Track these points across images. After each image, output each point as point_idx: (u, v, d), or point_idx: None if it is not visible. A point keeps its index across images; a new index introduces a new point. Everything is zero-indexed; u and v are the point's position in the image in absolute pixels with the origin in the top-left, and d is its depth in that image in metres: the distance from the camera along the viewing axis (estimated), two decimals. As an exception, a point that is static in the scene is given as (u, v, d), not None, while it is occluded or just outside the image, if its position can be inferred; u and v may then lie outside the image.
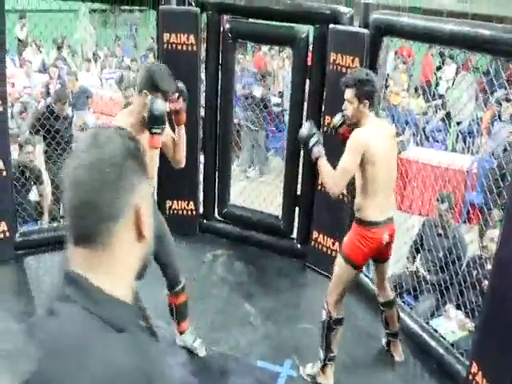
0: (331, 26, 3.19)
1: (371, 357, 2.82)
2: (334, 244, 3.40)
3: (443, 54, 8.34)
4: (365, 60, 3.03)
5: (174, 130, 2.45)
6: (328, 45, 3.22)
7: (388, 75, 5.96)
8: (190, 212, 3.90)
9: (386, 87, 5.25)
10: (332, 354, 2.48)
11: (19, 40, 8.75)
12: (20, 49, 8.50)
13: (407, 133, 5.57)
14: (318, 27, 3.32)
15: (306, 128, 2.37)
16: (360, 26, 3.13)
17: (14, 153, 3.67)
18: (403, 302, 3.13)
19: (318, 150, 2.31)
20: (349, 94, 2.32)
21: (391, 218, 2.43)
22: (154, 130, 2.17)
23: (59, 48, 8.37)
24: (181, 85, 2.37)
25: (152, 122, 2.15)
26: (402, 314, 2.99)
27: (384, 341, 2.82)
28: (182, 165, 2.51)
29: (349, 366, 2.72)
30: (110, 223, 0.78)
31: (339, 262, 2.42)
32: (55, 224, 3.81)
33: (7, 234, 3.34)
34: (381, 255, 2.48)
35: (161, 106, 2.15)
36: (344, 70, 3.11)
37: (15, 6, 3.69)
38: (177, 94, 2.32)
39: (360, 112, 2.31)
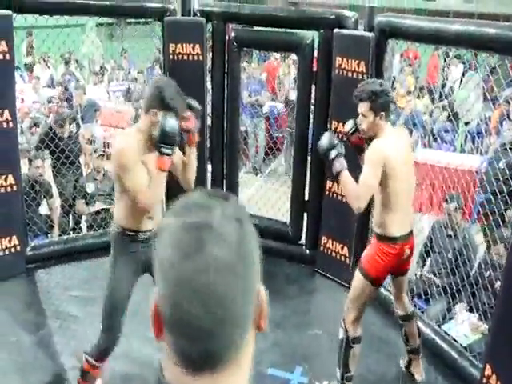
0: (336, 30, 3.21)
1: (383, 362, 2.79)
2: (343, 249, 3.39)
3: (449, 55, 8.31)
4: (370, 63, 3.03)
5: (182, 151, 2.32)
6: (333, 49, 3.23)
7: (394, 78, 5.94)
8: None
9: (393, 90, 5.23)
10: (349, 374, 2.40)
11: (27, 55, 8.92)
12: (28, 66, 8.66)
13: (415, 135, 5.54)
14: (323, 32, 3.34)
15: (326, 139, 2.25)
16: (365, 30, 3.14)
17: (24, 167, 3.72)
18: (414, 305, 3.09)
19: (340, 163, 2.18)
20: (363, 107, 2.21)
21: (411, 231, 2.36)
22: (164, 151, 2.02)
23: (67, 63, 8.49)
24: (192, 102, 2.25)
25: (162, 141, 2.01)
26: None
27: (405, 360, 2.67)
28: (192, 187, 2.34)
29: (361, 373, 2.68)
30: (242, 329, 0.58)
31: (358, 278, 2.33)
32: (65, 237, 3.85)
33: (18, 247, 3.38)
34: (400, 269, 2.41)
35: (173, 124, 2.01)
36: (350, 74, 3.12)
37: (23, 22, 3.75)
38: (188, 112, 2.18)
39: (376, 125, 2.22)
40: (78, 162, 4.65)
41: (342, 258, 3.40)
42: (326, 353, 2.68)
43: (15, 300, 3.12)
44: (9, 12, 3.06)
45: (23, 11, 3.23)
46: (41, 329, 2.93)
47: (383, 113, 2.21)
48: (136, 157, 2.02)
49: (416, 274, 3.34)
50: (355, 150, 2.43)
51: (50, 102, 6.85)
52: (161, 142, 2.01)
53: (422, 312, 3.07)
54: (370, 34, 3.04)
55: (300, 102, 3.60)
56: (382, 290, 3.22)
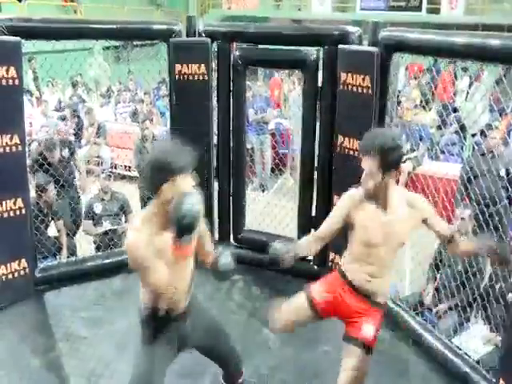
0: (340, 46, 3.24)
1: (394, 379, 2.73)
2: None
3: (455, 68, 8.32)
4: (375, 78, 3.05)
5: None
6: (338, 65, 3.26)
7: (399, 91, 5.97)
8: (205, 239, 3.90)
9: (399, 103, 5.25)
10: None
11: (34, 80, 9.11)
12: (34, 93, 8.83)
13: (421, 148, 5.53)
14: (327, 48, 3.36)
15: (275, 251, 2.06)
16: (369, 45, 3.16)
17: (32, 190, 3.75)
18: (425, 319, 3.05)
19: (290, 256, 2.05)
20: (371, 164, 1.89)
21: None
22: (183, 240, 1.73)
23: (74, 86, 8.66)
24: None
25: (180, 231, 1.70)
26: (424, 333, 2.92)
27: None
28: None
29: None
30: None
31: (362, 357, 2.04)
32: (73, 258, 3.86)
33: (27, 270, 3.39)
34: None
35: (190, 206, 1.69)
36: (355, 89, 3.14)
37: (32, 48, 3.83)
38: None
39: (384, 184, 1.94)
40: (73, 184, 4.64)
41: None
42: (336, 370, 2.63)
43: (25, 323, 3.12)
44: (17, 38, 3.13)
45: (31, 37, 3.30)
46: (51, 351, 2.92)
47: (394, 171, 1.93)
48: (149, 251, 1.74)
49: (426, 290, 3.30)
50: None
51: (63, 119, 6.96)
52: (178, 232, 1.71)
53: (433, 326, 3.02)
54: (375, 49, 3.06)
55: (305, 118, 3.62)
56: (393, 305, 3.19)
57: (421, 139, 5.31)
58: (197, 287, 3.56)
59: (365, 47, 3.21)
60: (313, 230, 3.67)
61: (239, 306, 3.40)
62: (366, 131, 3.14)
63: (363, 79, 3.11)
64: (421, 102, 6.44)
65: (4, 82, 3.07)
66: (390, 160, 1.89)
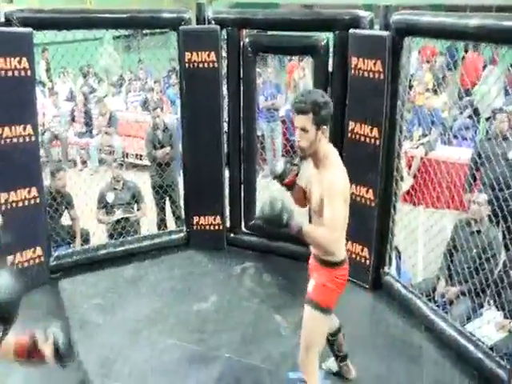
0: (351, 31, 3.19)
1: (405, 364, 2.73)
2: (363, 250, 3.35)
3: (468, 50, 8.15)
4: (387, 62, 3.01)
5: None
6: (349, 50, 3.21)
7: (412, 75, 5.89)
8: (216, 226, 3.92)
9: (410, 88, 5.18)
10: None
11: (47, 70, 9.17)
12: (47, 83, 8.90)
13: (434, 133, 5.46)
14: (338, 33, 3.32)
15: (268, 208, 1.95)
16: (380, 29, 3.11)
17: (45, 179, 3.80)
18: (437, 305, 3.04)
19: (296, 224, 1.94)
20: (304, 121, 1.97)
21: None
22: None
23: (85, 76, 8.69)
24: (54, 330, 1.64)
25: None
26: (436, 319, 2.91)
27: (336, 369, 2.61)
28: None
29: (383, 376, 2.65)
30: None
31: (313, 316, 2.11)
32: (87, 246, 3.91)
33: (42, 258, 3.44)
34: None
35: (7, 282, 1.36)
36: (366, 74, 3.10)
37: (44, 39, 3.85)
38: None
39: (318, 141, 2.00)
40: None
41: (362, 260, 3.36)
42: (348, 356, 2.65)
43: (40, 310, 3.17)
44: (29, 29, 3.14)
45: (42, 28, 3.31)
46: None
47: (326, 127, 2.01)
48: None
49: (438, 275, 3.28)
50: (287, 189, 2.19)
51: (72, 112, 7.03)
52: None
53: (446, 312, 3.01)
54: (386, 33, 3.02)
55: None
56: (405, 291, 3.18)
57: (433, 124, 5.24)
58: (207, 275, 3.64)
59: (376, 31, 3.16)
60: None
61: (251, 292, 3.42)
62: (377, 117, 3.16)
63: (374, 64, 3.07)
64: (433, 85, 6.34)
65: (16, 72, 3.10)
66: (322, 116, 1.98)
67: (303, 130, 1.99)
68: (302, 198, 2.27)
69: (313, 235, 1.97)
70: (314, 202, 2.09)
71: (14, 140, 3.15)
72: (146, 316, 3.16)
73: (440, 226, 3.64)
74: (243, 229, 4.03)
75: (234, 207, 4.01)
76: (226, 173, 3.93)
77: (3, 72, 3.05)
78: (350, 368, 2.60)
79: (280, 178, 2.17)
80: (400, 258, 3.55)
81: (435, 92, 6.02)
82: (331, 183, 1.97)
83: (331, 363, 2.64)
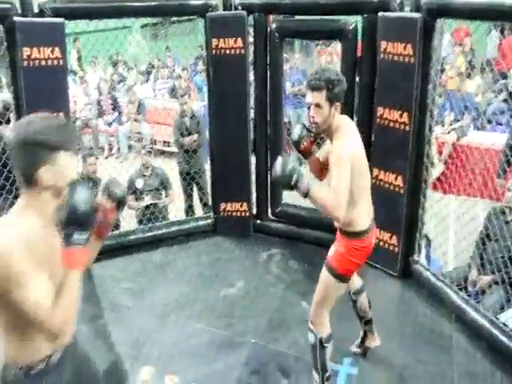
0: (380, 13, 3.11)
1: (434, 354, 2.69)
2: (391, 238, 3.30)
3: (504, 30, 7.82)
4: (418, 46, 2.92)
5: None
6: (378, 34, 3.14)
7: (444, 59, 5.70)
8: (243, 213, 3.94)
9: (442, 71, 5.03)
10: (328, 374, 2.33)
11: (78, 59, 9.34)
12: (78, 72, 9.06)
13: (466, 118, 5.30)
14: (367, 17, 3.24)
15: (279, 166, 1.95)
16: (411, 11, 3.02)
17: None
18: (468, 295, 2.97)
19: (304, 184, 1.95)
20: (318, 97, 2.05)
21: (373, 219, 2.26)
22: (76, 239, 1.30)
23: (115, 64, 8.80)
24: (115, 188, 1.60)
25: (74, 224, 1.30)
26: (467, 308, 2.85)
27: (359, 338, 2.66)
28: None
29: (411, 365, 2.62)
30: None
31: (327, 279, 2.20)
32: (116, 232, 3.99)
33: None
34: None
35: (84, 194, 1.32)
36: (396, 58, 3.03)
37: (75, 28, 3.91)
38: (109, 203, 1.57)
39: (332, 116, 2.08)
40: None
41: (391, 248, 3.32)
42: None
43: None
44: (61, 19, 3.19)
45: (73, 18, 3.36)
46: (97, 319, 3.06)
47: (339, 103, 2.08)
48: (28, 261, 1.29)
49: (470, 264, 3.20)
50: (303, 155, 2.25)
51: (99, 102, 7.16)
52: (70, 225, 1.30)
53: (478, 302, 2.94)
54: (417, 15, 2.93)
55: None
56: (435, 280, 3.12)
57: (465, 108, 5.07)
58: (234, 261, 3.67)
59: (406, 13, 3.07)
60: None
61: (277, 279, 3.44)
62: (407, 101, 3.09)
63: (405, 47, 2.99)
64: (466, 69, 6.12)
65: (49, 62, 3.16)
66: (335, 92, 2.05)
67: (317, 106, 2.07)
68: (319, 170, 2.33)
69: (319, 197, 1.99)
70: (330, 174, 2.12)
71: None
72: (175, 300, 3.22)
73: (472, 213, 3.53)
74: (269, 215, 4.03)
75: (261, 194, 4.01)
76: (253, 159, 3.93)
77: (37, 62, 3.11)
78: (374, 335, 2.63)
79: (296, 143, 2.24)
80: (430, 246, 3.48)
81: (469, 76, 5.81)
82: (337, 151, 2.04)
83: (354, 347, 2.68)
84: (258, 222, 4.02)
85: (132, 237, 3.88)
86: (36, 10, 3.20)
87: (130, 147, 6.73)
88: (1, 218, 1.42)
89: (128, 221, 4.38)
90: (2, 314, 1.36)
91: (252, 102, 3.87)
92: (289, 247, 3.79)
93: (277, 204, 3.98)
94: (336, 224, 2.23)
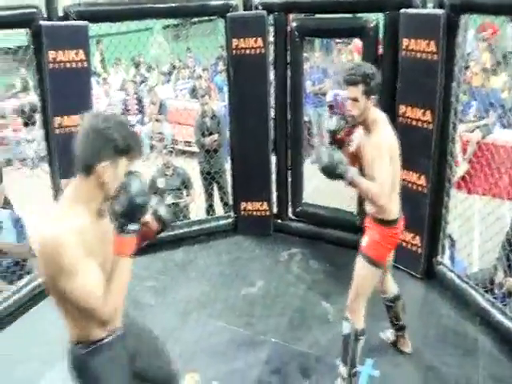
0: (402, 10, 3.07)
1: (458, 357, 2.65)
2: (414, 238, 3.25)
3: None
4: (441, 43, 2.87)
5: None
6: (400, 31, 3.10)
7: (468, 55, 5.58)
8: (263, 212, 3.94)
9: (467, 68, 4.93)
10: (356, 370, 2.36)
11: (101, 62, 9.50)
12: (101, 74, 9.22)
13: (492, 115, 5.17)
14: (389, 14, 3.20)
15: (326, 156, 2.12)
16: (434, 7, 2.97)
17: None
18: (495, 297, 2.91)
19: (350, 175, 2.11)
20: (355, 91, 2.14)
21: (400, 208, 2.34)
22: (132, 228, 1.42)
23: (137, 66, 8.92)
24: (160, 209, 1.70)
25: (127, 215, 1.40)
26: (493, 311, 2.79)
27: (391, 339, 2.71)
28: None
29: (435, 368, 2.58)
30: None
31: (364, 268, 2.27)
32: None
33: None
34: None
35: (140, 186, 1.42)
36: (419, 55, 2.98)
37: (99, 31, 3.98)
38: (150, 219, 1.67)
39: (368, 109, 2.17)
40: None
41: (414, 248, 3.27)
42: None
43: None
44: (85, 22, 3.25)
45: (97, 20, 3.41)
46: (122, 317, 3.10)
47: (374, 96, 2.16)
48: (80, 251, 1.36)
49: (496, 265, 3.13)
50: (338, 145, 2.29)
51: (125, 102, 7.26)
52: (125, 216, 1.40)
53: (504, 305, 2.87)
54: (440, 11, 2.87)
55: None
56: (459, 281, 3.06)
57: (491, 105, 4.96)
58: (254, 260, 3.67)
59: (429, 10, 3.02)
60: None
61: (297, 278, 3.42)
62: (430, 99, 3.03)
63: (428, 44, 2.94)
64: (491, 65, 5.97)
65: (74, 64, 3.22)
66: (371, 86, 2.13)
67: (355, 100, 2.15)
68: (350, 162, 2.36)
69: (365, 186, 2.12)
70: (366, 164, 2.22)
71: (73, 129, 3.29)
72: (196, 299, 3.24)
73: (498, 213, 3.45)
74: (290, 215, 4.02)
75: (281, 193, 4.01)
76: (273, 159, 3.93)
77: (62, 64, 3.18)
78: (406, 341, 2.66)
79: (333, 132, 2.29)
80: (454, 246, 3.42)
81: (494, 72, 5.68)
82: (377, 144, 2.13)
83: (388, 333, 2.71)
84: (279, 221, 4.02)
85: (154, 236, 3.92)
86: (60, 14, 3.27)
87: (151, 147, 6.81)
88: (52, 210, 1.49)
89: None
90: (59, 301, 1.46)
91: (272, 102, 3.87)
92: (309, 247, 3.77)
93: (297, 203, 3.97)
94: (369, 212, 2.30)
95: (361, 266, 2.29)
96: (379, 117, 2.21)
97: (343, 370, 2.36)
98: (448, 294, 3.11)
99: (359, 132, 2.30)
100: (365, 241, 2.31)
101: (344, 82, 2.18)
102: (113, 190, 1.42)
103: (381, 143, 2.13)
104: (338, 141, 2.30)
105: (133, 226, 1.43)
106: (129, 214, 1.40)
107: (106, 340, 1.57)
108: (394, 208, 2.24)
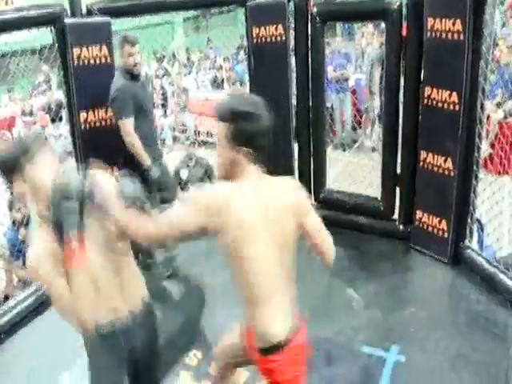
0: (427, -11, 2.98)
1: (489, 342, 2.58)
2: (440, 223, 3.18)
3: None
4: (467, 21, 2.78)
5: None
6: (424, 11, 3.01)
7: (496, 34, 5.38)
8: (287, 200, 3.92)
9: (495, 46, 4.75)
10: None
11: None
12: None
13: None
14: (413, -6, 3.12)
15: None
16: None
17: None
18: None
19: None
20: (221, 130, 1.46)
21: None
22: (68, 233, 1.47)
23: (159, 59, 8.97)
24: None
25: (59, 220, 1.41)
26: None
27: None
28: None
29: (464, 354, 2.53)
30: None
31: None
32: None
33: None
34: None
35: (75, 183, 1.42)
36: (444, 35, 2.90)
37: (121, 26, 4.01)
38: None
39: (235, 163, 1.47)
40: None
41: (440, 233, 3.20)
42: (422, 331, 2.56)
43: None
44: (108, 18, 3.28)
45: (119, 15, 3.43)
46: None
47: (245, 148, 1.45)
48: (47, 265, 1.55)
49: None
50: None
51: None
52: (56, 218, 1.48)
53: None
54: (467, -12, 2.78)
55: (388, 71, 3.42)
56: (488, 265, 2.99)
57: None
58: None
59: (455, -13, 2.92)
60: (398, 188, 3.54)
61: (321, 265, 3.38)
62: (456, 80, 2.95)
63: (453, 23, 2.85)
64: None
65: (98, 60, 3.25)
66: (241, 130, 1.44)
67: (219, 141, 1.52)
68: None
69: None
70: None
71: (97, 124, 3.34)
72: (221, 286, 3.26)
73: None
74: (313, 202, 3.99)
75: (304, 180, 3.98)
76: (295, 146, 3.89)
77: (86, 60, 3.21)
78: None
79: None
80: (482, 230, 3.33)
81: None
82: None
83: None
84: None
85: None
86: (84, 11, 3.28)
87: (174, 138, 6.86)
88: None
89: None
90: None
91: (294, 88, 3.83)
92: (333, 233, 3.68)
93: (320, 190, 3.94)
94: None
95: None
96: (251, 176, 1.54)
97: None
98: (477, 279, 3.03)
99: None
100: None
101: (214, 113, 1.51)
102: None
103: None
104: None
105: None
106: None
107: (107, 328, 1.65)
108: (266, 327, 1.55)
